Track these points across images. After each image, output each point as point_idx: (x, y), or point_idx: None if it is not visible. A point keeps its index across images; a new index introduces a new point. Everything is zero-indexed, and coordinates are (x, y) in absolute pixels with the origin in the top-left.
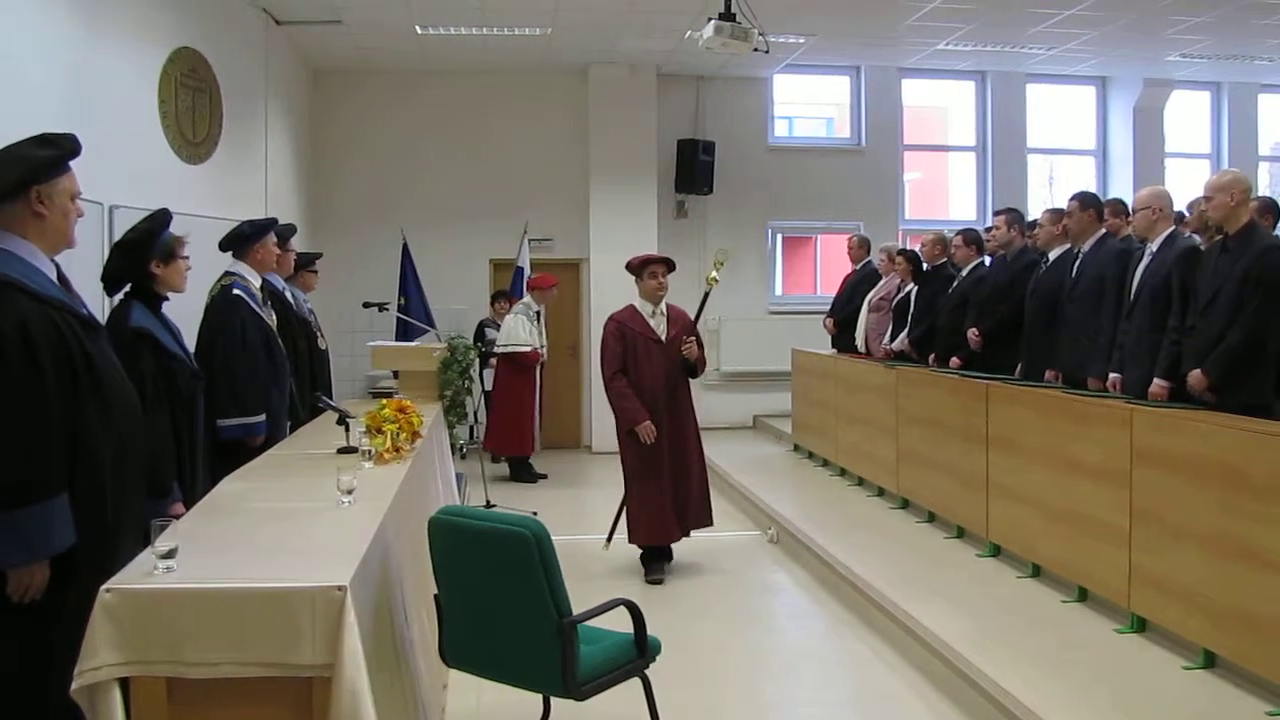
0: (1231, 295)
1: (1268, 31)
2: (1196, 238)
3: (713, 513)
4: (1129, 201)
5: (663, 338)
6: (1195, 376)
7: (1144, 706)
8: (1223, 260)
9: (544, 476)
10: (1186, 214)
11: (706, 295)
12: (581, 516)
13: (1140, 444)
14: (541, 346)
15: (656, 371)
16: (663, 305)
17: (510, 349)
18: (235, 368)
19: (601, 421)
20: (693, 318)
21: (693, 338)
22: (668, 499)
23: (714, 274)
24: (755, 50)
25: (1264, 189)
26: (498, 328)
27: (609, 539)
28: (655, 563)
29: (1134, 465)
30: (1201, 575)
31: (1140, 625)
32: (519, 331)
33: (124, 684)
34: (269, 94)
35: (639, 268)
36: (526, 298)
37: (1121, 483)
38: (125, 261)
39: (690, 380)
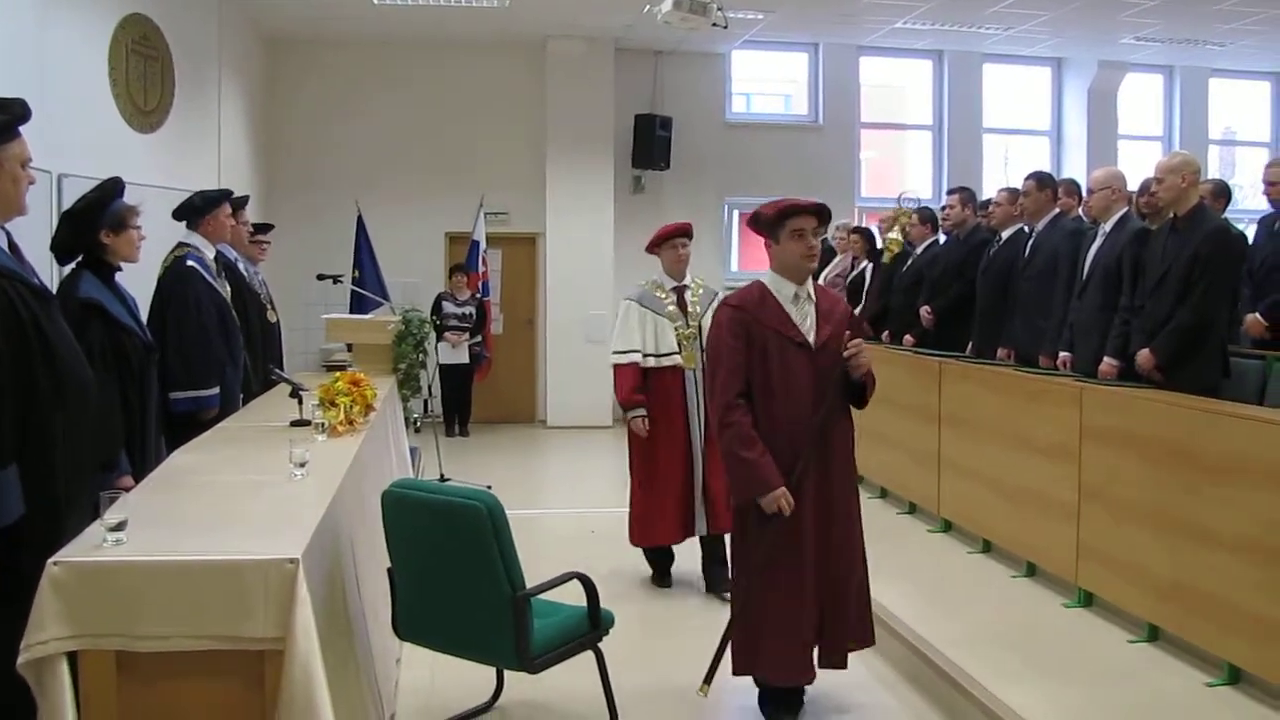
0: (1180, 276)
1: (1219, 16)
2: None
3: (874, 628)
4: (1081, 182)
5: (811, 339)
6: (1143, 355)
7: (1090, 678)
8: (1172, 241)
9: (666, 582)
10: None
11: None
12: (536, 491)
13: (1089, 422)
14: (671, 353)
15: (801, 395)
16: (809, 286)
17: (614, 360)
18: (187, 341)
19: (557, 395)
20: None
21: (859, 340)
22: (809, 609)
23: (895, 234)
24: (714, 25)
25: (1214, 172)
26: (455, 301)
27: (708, 679)
28: (788, 713)
29: (1083, 443)
30: (1147, 551)
31: (1087, 600)
32: (621, 331)
33: (72, 658)
34: (222, 63)
35: (774, 221)
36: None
37: (1071, 460)
38: (74, 231)
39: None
